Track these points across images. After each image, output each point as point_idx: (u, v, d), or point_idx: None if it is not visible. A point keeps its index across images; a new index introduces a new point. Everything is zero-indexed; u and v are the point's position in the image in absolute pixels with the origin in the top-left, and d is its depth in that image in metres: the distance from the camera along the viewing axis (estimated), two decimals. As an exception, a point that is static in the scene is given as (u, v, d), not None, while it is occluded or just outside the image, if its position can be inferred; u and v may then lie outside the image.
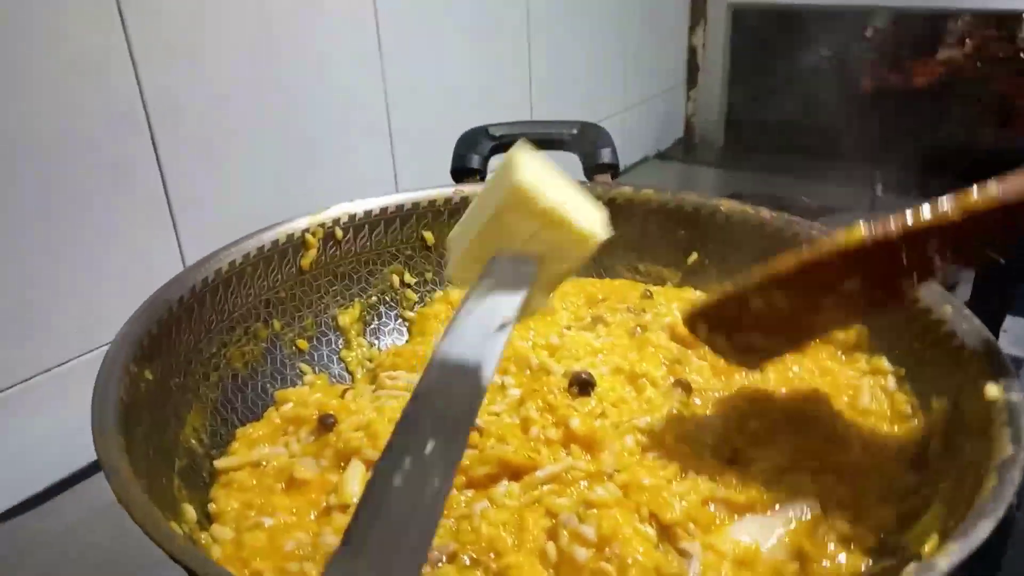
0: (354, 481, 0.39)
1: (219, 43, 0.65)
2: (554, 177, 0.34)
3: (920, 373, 0.44)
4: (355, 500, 0.36)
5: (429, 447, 0.23)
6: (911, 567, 0.29)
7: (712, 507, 0.38)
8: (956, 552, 0.28)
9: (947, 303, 0.44)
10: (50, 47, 0.54)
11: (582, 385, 0.44)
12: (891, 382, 0.46)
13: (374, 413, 0.43)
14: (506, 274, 0.32)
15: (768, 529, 0.37)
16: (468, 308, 0.29)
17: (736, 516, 0.38)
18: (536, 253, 0.34)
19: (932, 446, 0.40)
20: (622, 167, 1.21)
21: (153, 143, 0.62)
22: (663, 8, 1.28)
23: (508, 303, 0.30)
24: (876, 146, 1.17)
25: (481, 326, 0.28)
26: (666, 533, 0.36)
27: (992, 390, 0.36)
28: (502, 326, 0.29)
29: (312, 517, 0.38)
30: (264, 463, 0.42)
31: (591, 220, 0.34)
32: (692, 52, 1.35)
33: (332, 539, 0.36)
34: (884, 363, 0.47)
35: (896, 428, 0.43)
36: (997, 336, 0.76)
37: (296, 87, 0.72)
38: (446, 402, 0.25)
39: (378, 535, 0.21)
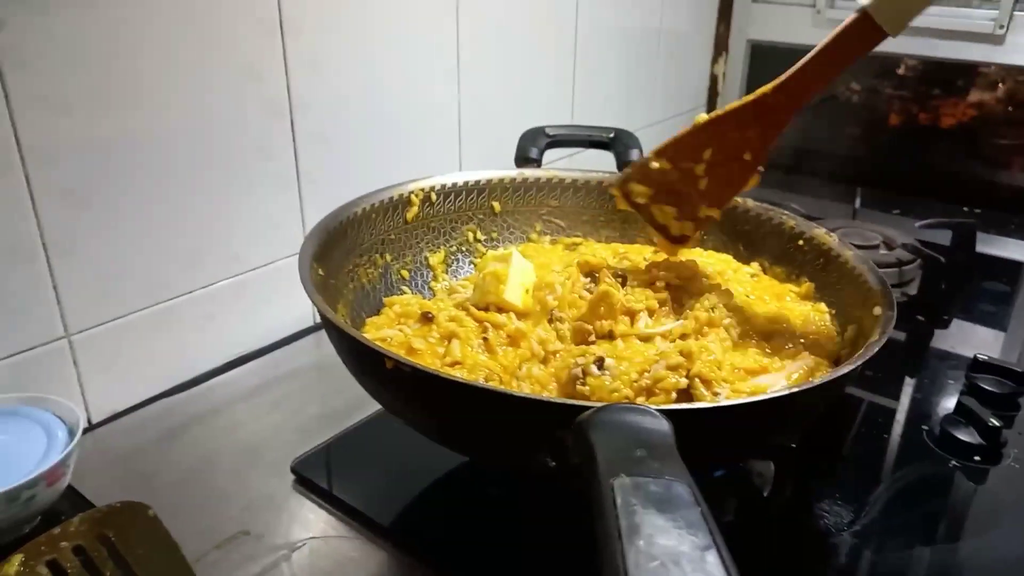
0: (457, 349, 0.58)
1: (345, 58, 0.85)
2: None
3: (842, 311, 0.63)
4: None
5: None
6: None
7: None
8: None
9: (864, 264, 0.62)
10: (225, 55, 0.74)
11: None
12: (827, 318, 0.65)
13: (456, 311, 0.62)
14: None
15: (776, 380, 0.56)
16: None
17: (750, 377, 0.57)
18: None
19: (844, 352, 0.59)
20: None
21: (292, 130, 0.83)
22: (690, 40, 1.48)
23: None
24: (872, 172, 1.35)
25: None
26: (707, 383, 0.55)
27: (877, 310, 0.55)
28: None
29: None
30: (388, 339, 0.61)
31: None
32: (713, 80, 1.55)
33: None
34: (822, 306, 0.66)
35: (827, 344, 0.62)
36: (946, 327, 0.95)
37: (394, 93, 0.92)
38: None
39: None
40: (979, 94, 1.31)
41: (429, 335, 0.60)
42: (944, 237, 1.11)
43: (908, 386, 0.82)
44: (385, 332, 0.61)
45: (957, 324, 0.96)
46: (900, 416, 0.77)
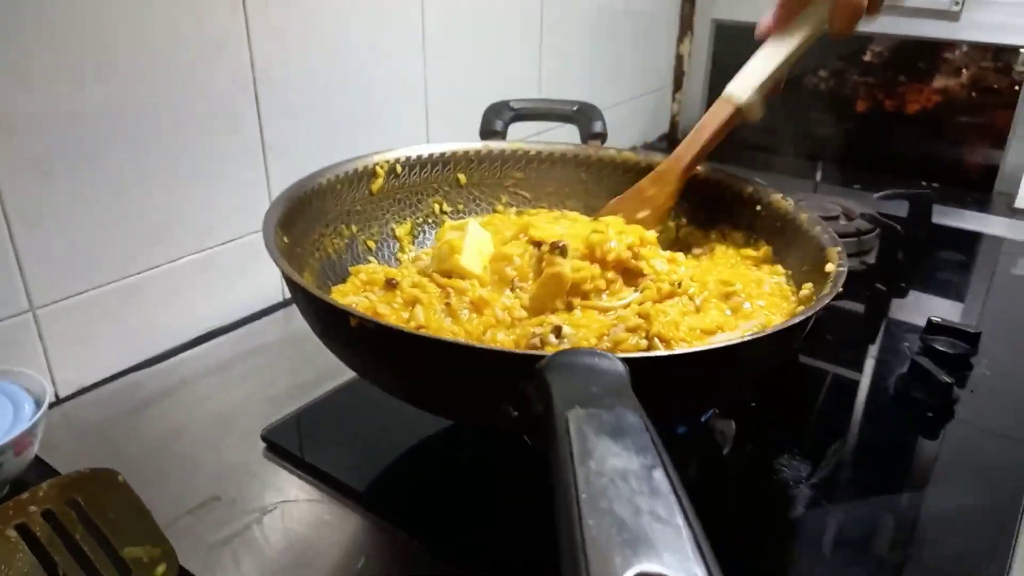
0: (420, 314, 0.59)
1: (308, 31, 0.86)
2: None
3: (798, 271, 0.65)
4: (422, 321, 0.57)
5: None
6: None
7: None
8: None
9: (818, 225, 0.64)
10: (191, 28, 0.75)
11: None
12: (783, 280, 0.66)
13: (419, 277, 0.63)
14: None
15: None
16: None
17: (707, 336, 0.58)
18: None
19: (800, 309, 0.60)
20: (613, 152, 1.43)
21: (257, 103, 0.83)
22: (655, 20, 1.49)
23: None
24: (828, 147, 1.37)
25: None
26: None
27: (829, 266, 0.57)
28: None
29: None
30: (355, 304, 0.62)
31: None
32: (679, 59, 1.56)
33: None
34: (779, 268, 0.67)
35: (783, 304, 0.64)
36: (903, 296, 0.97)
37: (360, 68, 0.92)
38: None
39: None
40: (943, 80, 1.35)
41: (393, 301, 0.61)
42: (902, 209, 1.14)
43: (870, 357, 0.85)
44: (351, 298, 0.62)
45: (914, 295, 0.99)
46: (863, 382, 0.80)
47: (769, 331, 0.47)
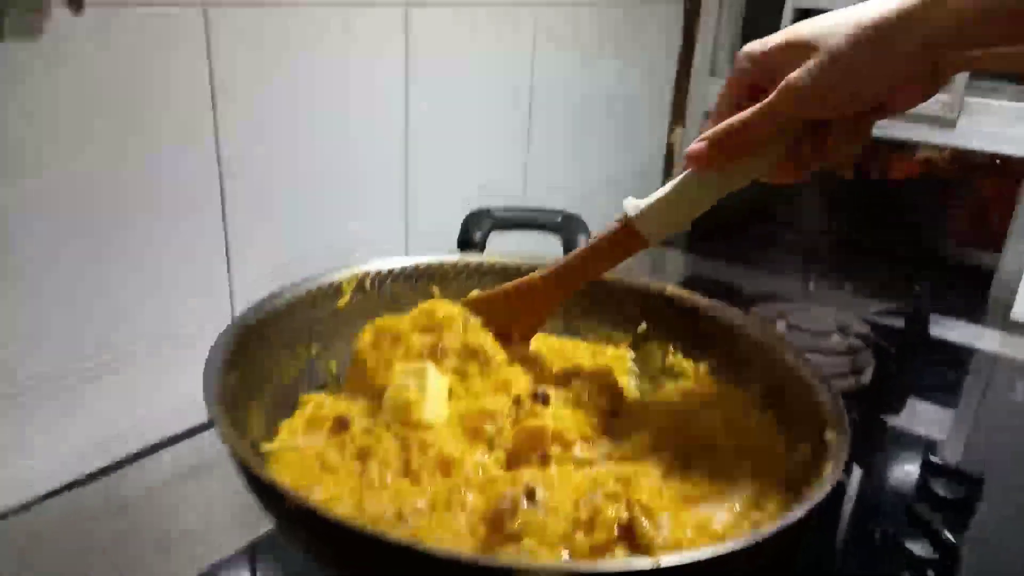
0: (374, 472, 0.53)
1: (276, 124, 0.81)
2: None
3: (790, 424, 0.59)
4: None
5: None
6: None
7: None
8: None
9: (816, 378, 0.59)
10: (158, 117, 0.70)
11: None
12: (773, 431, 0.61)
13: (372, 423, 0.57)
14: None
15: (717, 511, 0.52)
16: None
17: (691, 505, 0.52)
18: None
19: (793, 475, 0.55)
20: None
21: (222, 195, 0.78)
22: (648, 111, 1.47)
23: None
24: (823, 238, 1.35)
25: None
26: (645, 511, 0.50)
27: (829, 435, 0.52)
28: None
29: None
30: (302, 449, 0.56)
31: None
32: (670, 148, 1.54)
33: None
34: (769, 416, 0.62)
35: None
36: (897, 412, 0.93)
37: (331, 161, 0.88)
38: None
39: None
40: (928, 152, 1.34)
41: (345, 449, 0.55)
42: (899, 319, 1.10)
43: (855, 478, 0.79)
44: (300, 440, 0.56)
45: (910, 404, 0.94)
46: (848, 511, 0.74)
47: (773, 531, 0.41)
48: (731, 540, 0.41)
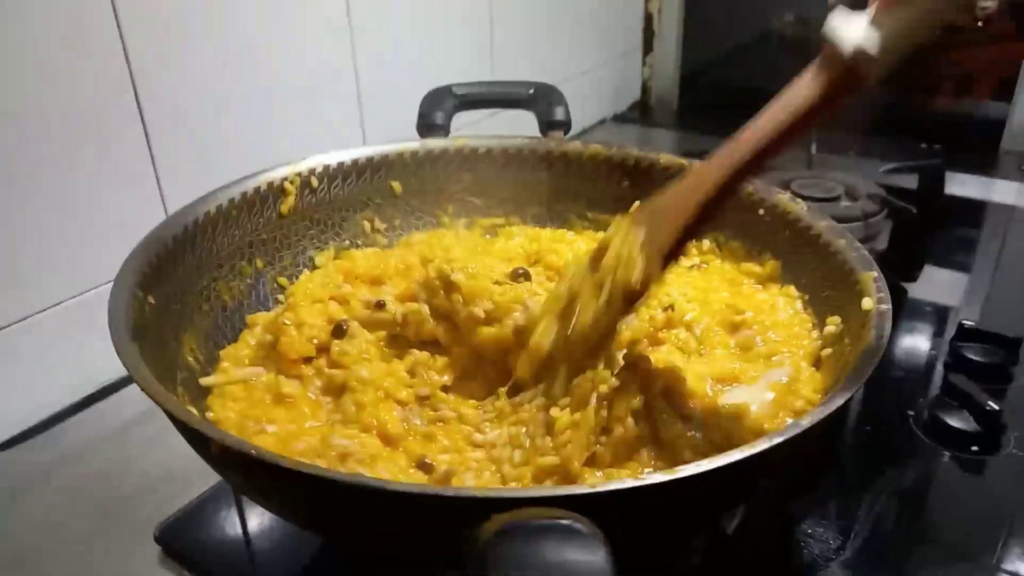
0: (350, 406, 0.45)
1: (201, 18, 0.69)
2: None
3: (817, 296, 0.51)
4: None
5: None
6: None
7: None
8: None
9: (841, 237, 0.51)
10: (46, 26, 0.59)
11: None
12: (799, 305, 0.53)
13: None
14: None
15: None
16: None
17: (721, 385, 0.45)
18: None
19: (824, 351, 0.47)
20: (580, 129, 1.27)
21: (139, 110, 0.67)
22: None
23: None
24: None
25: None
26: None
27: (867, 302, 0.43)
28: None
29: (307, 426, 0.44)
30: (253, 379, 0.48)
31: None
32: (648, 19, 1.41)
33: (343, 442, 0.41)
34: (792, 290, 0.54)
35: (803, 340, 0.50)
36: (915, 279, 0.85)
37: (270, 57, 0.76)
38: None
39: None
40: None
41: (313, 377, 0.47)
42: (910, 180, 1.01)
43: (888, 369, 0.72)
44: (248, 371, 0.48)
45: (928, 271, 0.87)
46: (882, 401, 0.67)
47: (812, 421, 0.34)
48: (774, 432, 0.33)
